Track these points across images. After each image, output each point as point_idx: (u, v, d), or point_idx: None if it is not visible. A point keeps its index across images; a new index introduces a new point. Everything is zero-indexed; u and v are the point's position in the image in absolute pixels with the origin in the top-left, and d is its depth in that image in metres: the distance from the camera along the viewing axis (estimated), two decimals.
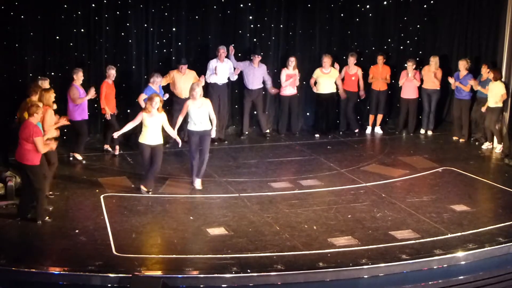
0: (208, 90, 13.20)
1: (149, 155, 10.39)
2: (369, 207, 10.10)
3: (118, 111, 12.73)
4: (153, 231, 9.12)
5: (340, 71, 14.36)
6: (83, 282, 7.77)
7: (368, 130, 14.72)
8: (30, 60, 12.72)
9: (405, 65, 14.44)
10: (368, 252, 8.50)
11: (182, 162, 12.04)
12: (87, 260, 8.06)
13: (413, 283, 8.12)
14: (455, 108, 14.02)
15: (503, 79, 13.11)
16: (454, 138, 14.01)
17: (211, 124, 10.82)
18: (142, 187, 10.46)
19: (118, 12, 13.27)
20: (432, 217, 9.73)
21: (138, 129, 10.65)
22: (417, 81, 14.28)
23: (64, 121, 10.42)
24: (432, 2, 15.09)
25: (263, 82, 13.99)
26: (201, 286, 7.82)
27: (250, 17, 14.21)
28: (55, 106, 10.43)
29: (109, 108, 12.27)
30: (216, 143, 13.09)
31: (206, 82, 13.13)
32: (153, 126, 10.33)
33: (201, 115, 10.69)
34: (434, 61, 14.22)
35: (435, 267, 8.41)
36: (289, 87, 14.15)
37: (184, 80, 12.76)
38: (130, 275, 7.72)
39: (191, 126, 10.78)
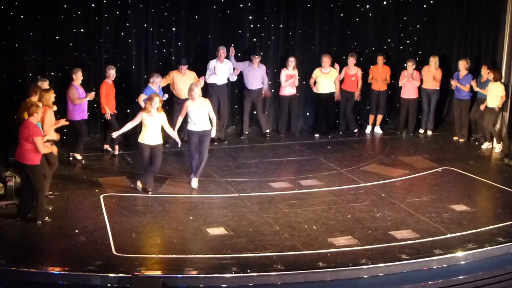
0: (208, 90, 13.20)
1: (149, 155, 10.40)
2: (369, 207, 10.10)
3: (118, 111, 12.73)
4: (153, 231, 9.12)
5: (340, 71, 14.36)
6: (83, 282, 7.78)
7: (368, 129, 14.72)
8: (30, 60, 12.72)
9: (405, 65, 14.45)
10: (368, 252, 8.50)
11: (182, 162, 12.04)
12: (87, 260, 8.06)
13: (413, 283, 8.13)
14: (455, 108, 14.03)
15: (502, 80, 13.12)
16: (454, 138, 14.01)
17: (211, 124, 10.83)
18: (138, 183, 10.50)
19: (117, 12, 13.26)
20: (432, 217, 9.74)
21: (138, 129, 10.65)
22: (416, 81, 14.28)
23: (63, 122, 10.44)
24: (432, 2, 15.09)
25: (263, 83, 14.00)
26: (201, 286, 7.82)
27: (250, 17, 14.21)
28: (55, 108, 10.45)
29: (109, 108, 12.27)
30: (215, 143, 13.09)
31: (205, 82, 13.13)
32: (152, 126, 10.33)
33: (201, 115, 10.69)
34: (434, 61, 14.22)
35: (434, 267, 8.41)
36: (289, 87, 14.15)
37: (184, 80, 12.75)
38: (130, 275, 7.73)
39: (191, 126, 10.79)
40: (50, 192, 10.09)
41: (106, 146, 12.61)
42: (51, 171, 9.90)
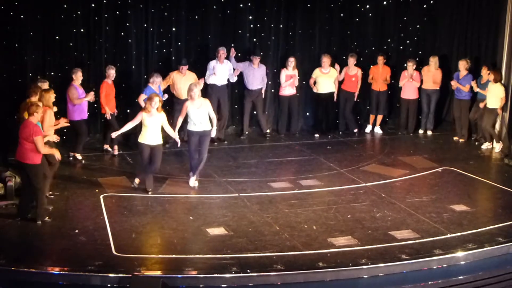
0: (207, 91, 13.20)
1: (149, 155, 10.40)
2: (369, 207, 10.10)
3: (118, 111, 12.72)
4: (152, 231, 9.12)
5: (340, 71, 14.36)
6: (83, 282, 7.78)
7: (368, 129, 14.72)
8: (30, 60, 12.72)
9: (405, 65, 14.45)
10: (368, 252, 8.50)
11: (181, 162, 12.04)
12: (87, 260, 8.06)
13: (413, 283, 8.12)
14: (455, 109, 14.03)
15: (503, 80, 13.11)
16: (454, 138, 14.01)
17: (211, 124, 10.83)
18: (136, 180, 10.53)
19: (117, 12, 13.26)
20: (432, 217, 9.74)
21: (138, 129, 10.65)
22: (417, 82, 14.28)
23: (63, 123, 10.44)
24: (431, 2, 15.09)
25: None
26: (201, 286, 7.82)
27: (250, 17, 14.21)
28: (55, 108, 10.45)
29: (108, 108, 12.27)
30: (215, 143, 13.09)
31: (205, 83, 13.13)
32: (152, 126, 10.33)
33: (201, 116, 10.69)
34: (434, 61, 14.22)
35: (434, 267, 8.41)
36: (288, 87, 14.15)
37: (184, 81, 12.73)
38: (130, 275, 7.72)
39: (191, 127, 10.79)
40: (50, 192, 10.09)
41: (106, 146, 12.61)
42: (51, 171, 9.90)
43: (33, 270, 7.86)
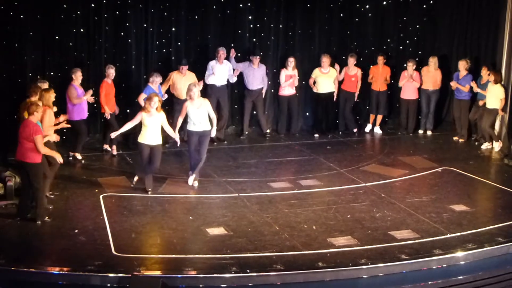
0: (207, 91, 13.19)
1: (148, 155, 10.40)
2: (369, 207, 10.10)
3: (119, 109, 12.72)
4: (152, 231, 9.12)
5: (340, 71, 14.36)
6: (83, 282, 7.77)
7: (368, 128, 14.72)
8: (30, 60, 12.72)
9: (405, 65, 14.45)
10: (368, 252, 8.50)
11: (181, 162, 12.04)
12: (87, 260, 8.06)
13: (413, 283, 8.12)
14: (455, 109, 14.03)
15: (503, 81, 13.10)
16: (454, 138, 14.01)
17: (211, 124, 10.83)
18: (135, 178, 10.54)
19: (117, 12, 13.26)
20: (432, 217, 9.73)
21: (138, 129, 10.65)
22: (417, 82, 14.28)
23: (63, 124, 10.45)
24: (431, 2, 15.09)
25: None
26: (201, 286, 7.82)
27: (250, 17, 14.21)
28: (55, 109, 10.45)
29: (108, 108, 12.26)
30: (215, 142, 13.08)
31: (205, 83, 13.13)
32: (152, 126, 10.33)
33: (200, 116, 10.69)
34: (433, 61, 14.23)
35: (434, 267, 8.41)
36: (288, 88, 14.15)
37: (184, 81, 12.71)
38: (130, 275, 7.72)
39: (191, 127, 10.79)
40: (50, 192, 10.09)
41: (106, 146, 12.61)
42: (52, 171, 9.90)
43: (33, 270, 7.86)
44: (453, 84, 13.78)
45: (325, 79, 14.15)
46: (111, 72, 12.37)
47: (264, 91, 14.01)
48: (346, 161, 12.48)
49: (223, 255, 8.31)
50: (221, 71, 13.45)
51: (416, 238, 8.98)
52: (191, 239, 8.90)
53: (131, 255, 8.27)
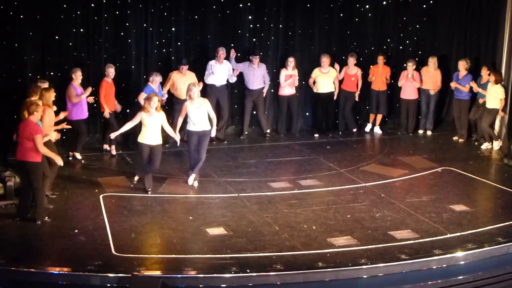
0: (207, 91, 13.19)
1: (148, 155, 10.40)
2: (368, 207, 10.10)
3: (121, 108, 12.73)
4: (152, 231, 9.12)
5: (340, 71, 14.36)
6: (83, 282, 7.77)
7: (368, 128, 14.72)
8: (30, 60, 12.72)
9: (405, 65, 14.45)
10: (367, 252, 8.50)
11: (181, 162, 12.04)
12: (87, 260, 8.06)
13: (412, 283, 8.12)
14: (455, 109, 14.03)
15: (503, 82, 13.10)
16: (454, 138, 14.01)
17: (211, 124, 10.83)
18: (135, 178, 10.55)
19: (117, 12, 13.26)
20: (432, 217, 9.74)
21: (138, 129, 10.65)
22: (417, 82, 14.28)
23: (63, 124, 10.45)
24: (431, 2, 15.09)
25: (264, 82, 14.00)
26: (201, 286, 7.82)
27: (250, 17, 14.21)
28: (55, 108, 10.44)
29: (108, 107, 12.26)
30: (214, 142, 13.07)
31: (204, 83, 13.13)
32: (152, 126, 10.33)
33: (200, 116, 10.69)
34: (433, 61, 14.23)
35: (434, 267, 8.41)
36: (288, 87, 14.15)
37: (184, 81, 12.71)
38: (129, 275, 7.72)
39: (190, 126, 10.79)
40: (51, 192, 10.09)
41: (106, 146, 12.61)
42: (52, 171, 9.89)
43: (33, 270, 7.86)
44: (453, 84, 13.78)
45: (325, 79, 14.16)
46: (111, 71, 12.37)
47: (265, 90, 14.02)
48: (346, 161, 12.48)
49: (223, 255, 8.31)
50: (220, 71, 13.45)
51: (416, 238, 8.98)
52: (191, 239, 8.90)
53: (131, 255, 8.27)
